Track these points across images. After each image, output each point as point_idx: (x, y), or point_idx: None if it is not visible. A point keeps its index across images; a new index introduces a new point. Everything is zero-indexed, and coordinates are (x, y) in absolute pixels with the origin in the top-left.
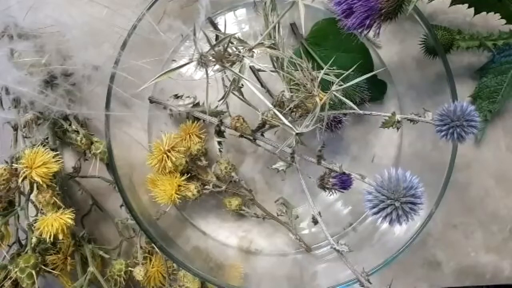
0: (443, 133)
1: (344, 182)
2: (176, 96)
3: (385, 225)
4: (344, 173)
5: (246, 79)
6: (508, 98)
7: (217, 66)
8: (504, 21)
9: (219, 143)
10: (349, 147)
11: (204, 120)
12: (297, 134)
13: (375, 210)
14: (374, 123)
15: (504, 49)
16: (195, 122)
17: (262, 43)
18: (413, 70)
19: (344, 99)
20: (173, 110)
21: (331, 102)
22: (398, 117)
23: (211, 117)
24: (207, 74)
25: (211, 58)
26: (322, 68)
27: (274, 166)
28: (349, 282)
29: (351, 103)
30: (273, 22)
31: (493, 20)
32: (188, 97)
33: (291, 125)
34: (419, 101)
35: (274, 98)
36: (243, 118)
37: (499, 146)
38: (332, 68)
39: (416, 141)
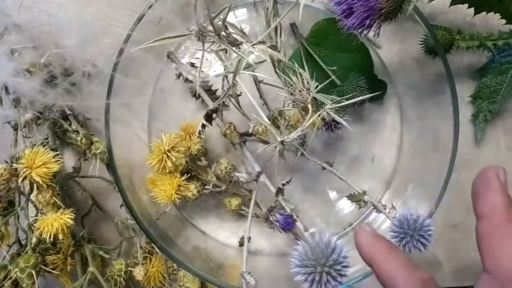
0: (397, 242)
1: (286, 224)
2: (192, 65)
3: (385, 226)
4: (291, 216)
5: (244, 58)
6: (508, 98)
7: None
8: (504, 21)
9: (203, 126)
10: (349, 147)
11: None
12: (281, 142)
13: (302, 278)
14: (374, 122)
15: (504, 49)
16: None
17: (263, 41)
18: (413, 70)
19: (336, 117)
20: (183, 75)
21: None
22: (365, 198)
23: (212, 101)
24: (203, 46)
25: (209, 31)
26: (322, 68)
27: (237, 174)
28: (349, 282)
29: (342, 121)
30: (276, 27)
31: (493, 20)
32: (203, 71)
33: (276, 131)
34: (419, 101)
35: (270, 111)
36: (234, 126)
37: (499, 146)
38: (331, 69)
39: (416, 141)
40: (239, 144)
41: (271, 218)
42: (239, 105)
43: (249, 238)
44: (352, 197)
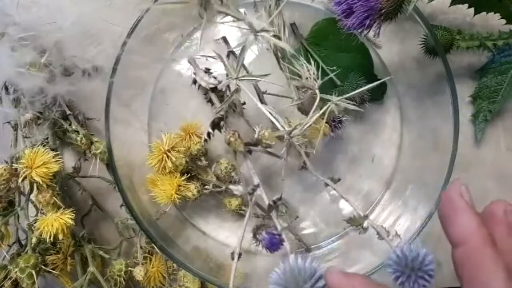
0: (393, 279)
1: (271, 244)
2: (207, 70)
3: (386, 225)
4: (279, 235)
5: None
6: (508, 98)
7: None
8: (504, 21)
9: (209, 134)
10: (349, 147)
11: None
12: (290, 132)
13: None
14: (374, 122)
15: (504, 49)
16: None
17: (267, 30)
18: (413, 70)
19: (347, 105)
20: (197, 80)
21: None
22: (366, 222)
23: (223, 105)
24: (205, 15)
25: None
26: (322, 68)
27: (231, 187)
28: None
29: (354, 106)
30: (278, 24)
31: (493, 20)
32: (215, 77)
33: (285, 121)
34: (419, 101)
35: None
36: (238, 134)
37: (499, 146)
38: (332, 68)
39: (416, 141)
40: (242, 154)
41: (257, 236)
42: (242, 113)
43: (240, 254)
44: (352, 221)
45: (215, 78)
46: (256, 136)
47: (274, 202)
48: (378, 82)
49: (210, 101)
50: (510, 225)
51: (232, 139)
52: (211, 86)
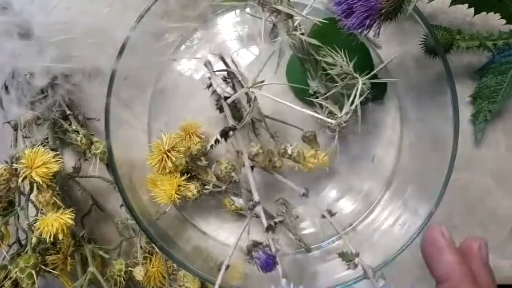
0: None
1: (266, 264)
2: (225, 79)
3: (384, 226)
4: (274, 257)
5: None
6: (508, 98)
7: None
8: (504, 21)
9: (217, 141)
10: (349, 147)
11: None
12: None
13: None
14: (374, 123)
15: (504, 49)
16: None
17: (298, 28)
18: (413, 70)
19: (377, 81)
20: (213, 86)
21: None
22: (356, 260)
23: (234, 118)
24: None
25: None
26: (323, 68)
27: (233, 198)
28: (349, 282)
29: (385, 80)
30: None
31: (493, 20)
32: (232, 87)
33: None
34: (419, 101)
35: (281, 144)
36: (268, 152)
37: (499, 146)
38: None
39: (416, 141)
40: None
41: (252, 253)
42: (268, 128)
43: (227, 266)
44: (343, 256)
45: (232, 87)
46: (289, 153)
47: (275, 223)
48: (374, 66)
49: (220, 108)
50: (483, 258)
51: (260, 151)
52: (226, 95)
